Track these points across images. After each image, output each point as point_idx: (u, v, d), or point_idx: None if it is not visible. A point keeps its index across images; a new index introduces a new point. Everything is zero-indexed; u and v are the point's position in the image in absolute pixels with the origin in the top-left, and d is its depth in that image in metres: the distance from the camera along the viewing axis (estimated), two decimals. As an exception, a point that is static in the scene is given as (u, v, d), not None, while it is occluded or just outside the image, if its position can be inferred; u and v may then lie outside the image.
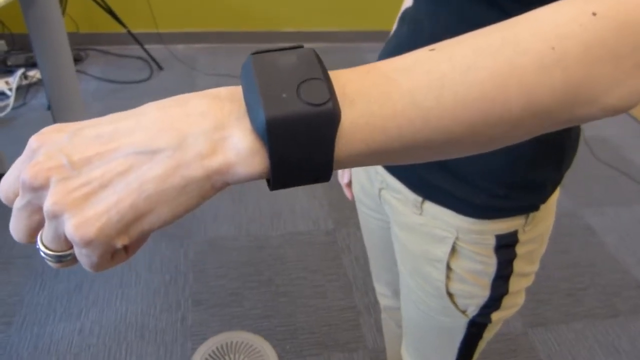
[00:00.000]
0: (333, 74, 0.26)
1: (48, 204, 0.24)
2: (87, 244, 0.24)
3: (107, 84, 2.54)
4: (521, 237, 0.60)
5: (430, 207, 0.60)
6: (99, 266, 0.26)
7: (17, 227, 0.26)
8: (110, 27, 2.63)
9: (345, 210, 1.92)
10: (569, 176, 2.16)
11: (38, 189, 0.25)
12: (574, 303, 1.65)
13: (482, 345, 0.74)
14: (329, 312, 1.55)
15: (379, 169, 0.67)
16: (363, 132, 0.26)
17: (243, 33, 3.05)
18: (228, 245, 1.74)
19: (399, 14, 0.70)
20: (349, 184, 0.89)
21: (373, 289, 1.63)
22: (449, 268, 0.61)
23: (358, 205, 0.86)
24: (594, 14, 0.26)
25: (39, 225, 0.26)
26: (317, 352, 1.44)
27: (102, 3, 2.44)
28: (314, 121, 0.24)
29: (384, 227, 0.81)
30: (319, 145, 0.25)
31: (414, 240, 0.64)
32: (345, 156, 0.26)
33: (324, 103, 0.24)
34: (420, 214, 0.62)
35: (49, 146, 0.25)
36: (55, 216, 0.24)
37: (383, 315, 1.13)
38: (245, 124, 0.25)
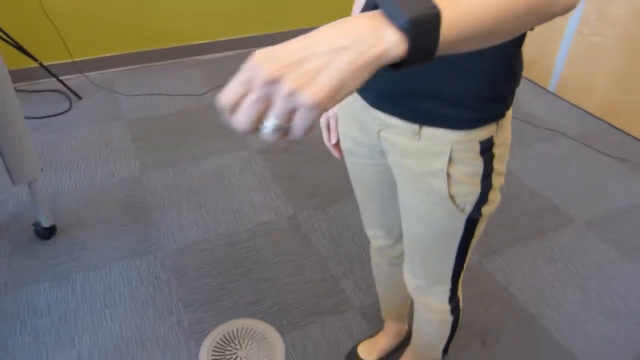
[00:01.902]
0: None
1: (288, 87, 0.38)
2: (316, 106, 0.38)
3: (27, 122, 2.47)
4: (496, 140, 0.78)
5: (427, 131, 0.77)
6: (311, 129, 0.39)
7: (246, 119, 0.40)
8: (20, 62, 2.56)
9: (300, 196, 2.06)
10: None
11: (273, 82, 0.38)
12: (512, 231, 1.92)
13: (474, 243, 0.93)
14: (312, 285, 1.69)
15: (377, 114, 0.82)
16: (452, 24, 0.42)
17: (155, 51, 3.09)
18: (201, 247, 1.82)
19: None
20: (337, 144, 1.04)
21: (347, 256, 1.79)
22: (448, 175, 0.79)
23: (350, 159, 1.01)
24: None
25: (263, 113, 0.39)
26: (312, 320, 1.57)
27: (8, 39, 2.38)
28: (431, 19, 0.40)
29: (379, 171, 0.97)
30: (433, 33, 0.41)
31: (416, 162, 0.81)
32: (444, 41, 0.42)
33: (434, 7, 0.40)
34: (419, 139, 0.78)
35: (270, 58, 0.39)
36: (292, 95, 0.38)
37: (374, 262, 1.29)
38: (391, 26, 0.40)
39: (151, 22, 2.98)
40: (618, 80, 2.53)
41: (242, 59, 3.19)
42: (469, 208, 0.83)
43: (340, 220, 1.95)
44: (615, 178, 2.23)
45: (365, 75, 0.40)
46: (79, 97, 2.65)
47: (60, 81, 2.58)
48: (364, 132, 0.90)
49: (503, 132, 0.80)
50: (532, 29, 0.55)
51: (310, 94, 0.38)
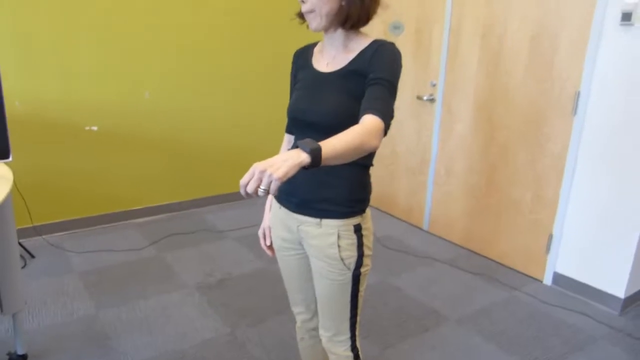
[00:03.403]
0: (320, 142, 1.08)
1: (268, 172, 0.98)
2: (281, 179, 0.98)
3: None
4: (363, 225, 1.43)
5: (324, 222, 1.40)
6: (276, 190, 1.00)
7: (252, 188, 0.99)
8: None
9: (234, 318, 2.52)
10: (375, 262, 3.16)
11: (262, 172, 0.99)
12: (403, 329, 2.49)
13: (360, 297, 1.50)
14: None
15: (297, 216, 1.44)
16: (326, 152, 1.07)
17: (101, 216, 3.59)
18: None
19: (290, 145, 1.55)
20: (270, 246, 1.63)
21: (278, 355, 2.23)
22: (338, 246, 1.40)
23: (280, 253, 1.59)
24: (359, 130, 1.16)
25: (257, 185, 1.00)
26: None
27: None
28: (318, 150, 1.05)
29: (299, 258, 1.55)
30: (319, 155, 1.05)
31: (320, 240, 1.41)
32: (324, 158, 1.07)
33: (319, 147, 1.05)
34: (320, 227, 1.41)
35: (261, 164, 1.01)
36: (270, 175, 0.99)
37: (299, 337, 1.79)
38: (303, 152, 1.04)
39: (97, 191, 3.55)
40: (468, 217, 3.41)
41: (171, 220, 3.77)
42: (352, 267, 1.43)
43: (270, 332, 2.42)
44: (476, 287, 2.94)
45: (296, 170, 1.02)
46: (32, 256, 3.02)
47: (20, 244, 2.97)
48: (288, 231, 1.51)
49: (366, 221, 1.45)
50: (365, 156, 1.22)
51: (278, 175, 0.99)
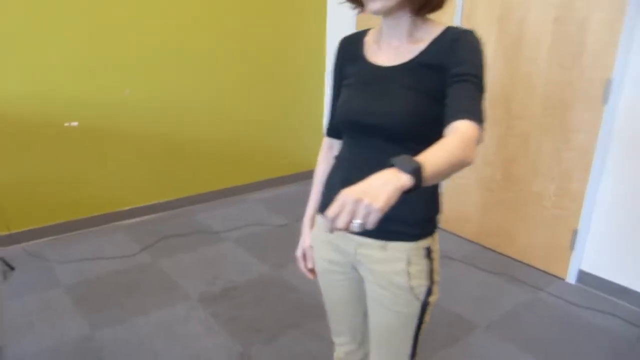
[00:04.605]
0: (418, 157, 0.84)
1: (366, 202, 0.75)
2: (381, 210, 0.75)
3: (-45, 299, 2.46)
4: (432, 248, 1.20)
5: (391, 244, 1.17)
6: (375, 223, 0.76)
7: (344, 221, 0.75)
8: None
9: (246, 334, 2.28)
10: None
11: (357, 202, 0.75)
12: (433, 341, 2.29)
13: (423, 330, 1.28)
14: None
15: (354, 237, 1.20)
16: (428, 173, 0.83)
17: (83, 219, 3.28)
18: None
19: (333, 161, 1.30)
20: (312, 270, 1.39)
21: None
22: (408, 273, 1.17)
23: (324, 277, 1.35)
24: (459, 139, 0.92)
25: (350, 218, 0.75)
26: None
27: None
28: (419, 169, 0.81)
29: (348, 283, 1.32)
30: (420, 175, 0.82)
31: (384, 266, 1.18)
32: (425, 178, 0.83)
33: (419, 164, 0.81)
34: (385, 250, 1.17)
35: (352, 192, 0.76)
36: (368, 206, 0.75)
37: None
38: (402, 173, 0.80)
39: (79, 193, 3.22)
40: (482, 211, 3.23)
41: (161, 221, 3.48)
42: (422, 297, 1.20)
43: (286, 350, 2.19)
44: (498, 288, 2.77)
45: (397, 196, 0.79)
46: (12, 268, 2.70)
47: (-5, 254, 2.65)
48: (339, 252, 1.27)
49: (435, 244, 1.22)
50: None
51: (378, 205, 0.75)
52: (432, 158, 0.87)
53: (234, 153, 3.92)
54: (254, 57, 3.80)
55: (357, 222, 0.76)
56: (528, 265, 3.05)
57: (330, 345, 1.79)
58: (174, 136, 3.56)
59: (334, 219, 0.77)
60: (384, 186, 0.78)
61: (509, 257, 3.16)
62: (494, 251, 3.22)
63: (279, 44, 3.91)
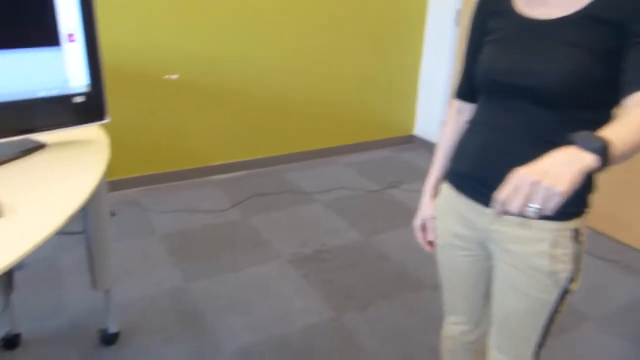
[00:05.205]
0: (600, 132, 0.68)
1: (546, 184, 0.62)
2: (564, 194, 0.63)
3: (65, 238, 2.59)
4: (581, 230, 1.03)
5: (534, 223, 1.01)
6: (559, 198, 0.64)
7: (518, 205, 0.63)
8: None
9: (338, 300, 2.21)
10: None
11: (535, 184, 0.62)
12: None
13: (556, 320, 1.12)
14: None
15: (490, 211, 1.06)
16: (616, 152, 0.67)
17: (176, 172, 3.33)
18: (259, 350, 1.91)
19: (465, 125, 1.15)
20: (431, 242, 1.26)
21: (397, 353, 1.91)
22: (550, 255, 1.01)
23: (445, 251, 1.22)
24: None
25: (525, 202, 0.62)
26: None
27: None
28: (605, 148, 0.66)
29: (472, 260, 1.18)
30: (607, 154, 0.66)
31: (523, 246, 1.03)
32: (612, 158, 0.67)
33: (606, 141, 0.66)
34: (527, 229, 1.02)
35: (530, 171, 0.63)
36: (549, 189, 0.62)
37: (448, 348, 1.44)
38: (585, 152, 0.66)
39: (173, 145, 3.27)
40: (597, 192, 2.92)
41: (251, 178, 3.47)
42: (563, 283, 1.04)
43: (381, 320, 2.10)
44: (612, 278, 2.50)
45: (581, 179, 0.65)
46: (113, 214, 2.80)
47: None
48: (468, 227, 1.13)
49: (584, 226, 1.05)
50: None
51: (561, 188, 0.63)
52: (619, 134, 0.73)
53: (327, 114, 3.82)
54: (349, 17, 3.62)
55: (534, 207, 0.64)
56: (648, 254, 2.74)
57: (424, 319, 1.68)
58: (268, 95, 3.51)
59: (505, 202, 0.65)
60: (567, 166, 0.66)
61: (624, 244, 2.85)
62: (608, 237, 2.92)
63: (376, 3, 3.70)
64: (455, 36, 3.70)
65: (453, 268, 1.25)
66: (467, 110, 1.23)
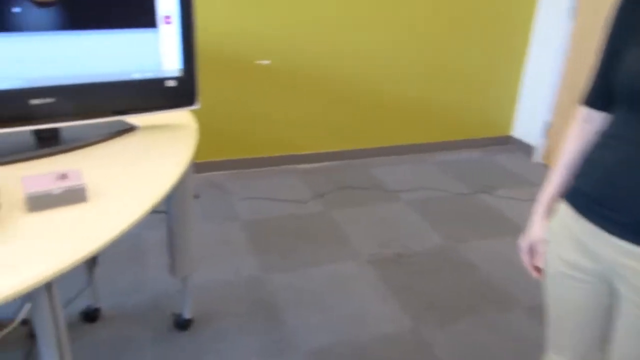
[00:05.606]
0: None
1: None
2: None
3: (146, 219, 2.65)
4: None
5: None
6: None
7: None
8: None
9: (418, 309, 2.08)
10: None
11: None
12: None
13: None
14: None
15: (620, 242, 0.89)
16: None
17: (259, 158, 3.33)
18: (333, 352, 1.83)
19: (597, 140, 0.97)
20: (538, 268, 1.10)
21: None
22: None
23: (559, 282, 1.05)
24: None
25: None
26: None
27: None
28: None
29: (589, 293, 1.01)
30: None
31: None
32: None
33: None
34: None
35: None
36: None
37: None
38: None
39: (259, 131, 3.26)
40: None
41: (334, 170, 3.38)
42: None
43: (464, 337, 1.94)
44: None
45: None
46: (197, 196, 2.83)
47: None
48: (588, 257, 0.96)
49: None
50: None
51: None
52: None
53: (418, 109, 3.64)
54: (453, 11, 3.40)
55: None
56: None
57: (513, 344, 1.51)
58: (358, 87, 3.39)
59: None
60: None
61: None
62: None
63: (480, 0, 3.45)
64: (568, 34, 3.36)
65: (564, 299, 1.08)
66: (597, 119, 1.04)
